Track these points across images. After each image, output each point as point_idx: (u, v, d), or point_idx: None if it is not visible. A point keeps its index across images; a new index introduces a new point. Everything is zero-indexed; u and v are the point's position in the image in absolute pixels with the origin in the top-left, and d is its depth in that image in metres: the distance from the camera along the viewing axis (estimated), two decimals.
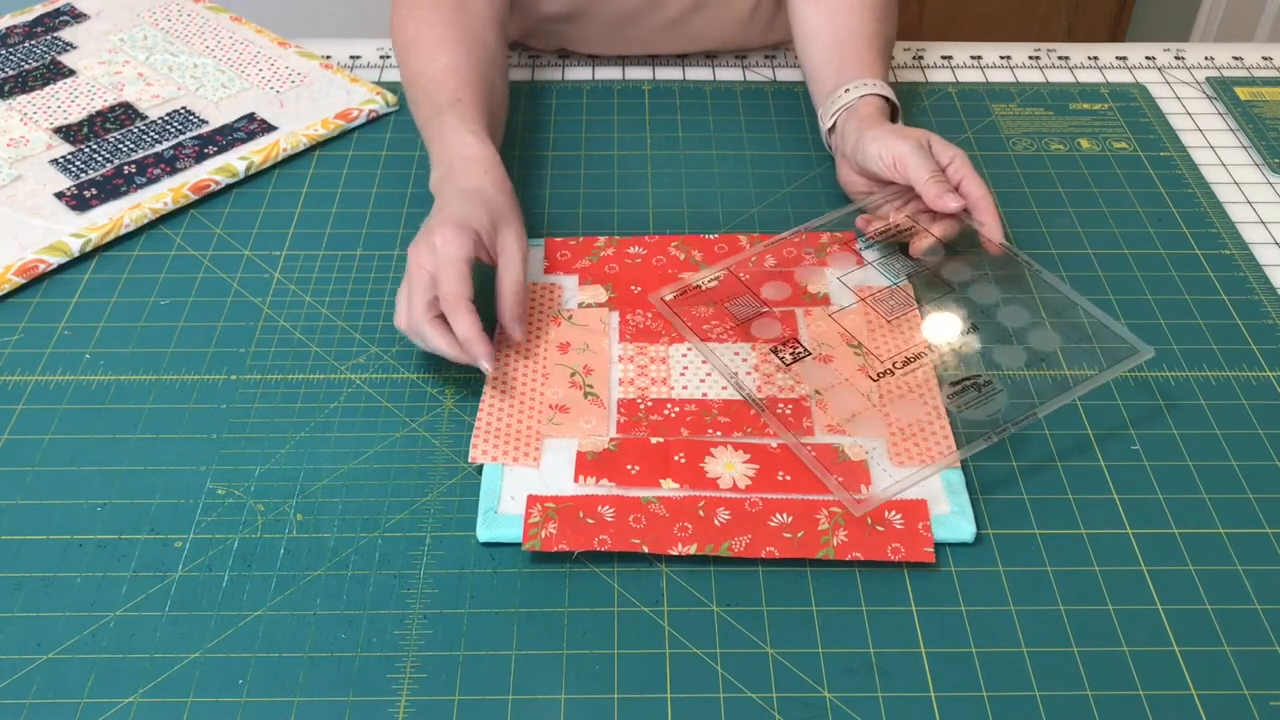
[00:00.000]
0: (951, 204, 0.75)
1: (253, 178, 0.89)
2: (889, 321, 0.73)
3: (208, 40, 1.03)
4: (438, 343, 0.67)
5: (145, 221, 0.84)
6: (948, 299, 0.75)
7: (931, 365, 0.71)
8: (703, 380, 0.71)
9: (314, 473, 0.66)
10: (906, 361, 0.70)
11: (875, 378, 0.69)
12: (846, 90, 0.84)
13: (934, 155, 0.77)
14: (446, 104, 0.80)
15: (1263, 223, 0.86)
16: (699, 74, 1.02)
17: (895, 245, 0.80)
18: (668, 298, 0.75)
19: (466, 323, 0.67)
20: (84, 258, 0.81)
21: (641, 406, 0.69)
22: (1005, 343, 0.73)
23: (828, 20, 0.89)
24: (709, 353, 0.72)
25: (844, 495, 0.62)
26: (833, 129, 0.85)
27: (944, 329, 0.73)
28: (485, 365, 0.67)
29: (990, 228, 0.75)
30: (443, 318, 0.68)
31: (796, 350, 0.71)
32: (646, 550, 0.61)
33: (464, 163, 0.76)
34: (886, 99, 0.84)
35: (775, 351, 0.71)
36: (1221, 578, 0.61)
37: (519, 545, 0.61)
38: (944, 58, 1.06)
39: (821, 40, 0.89)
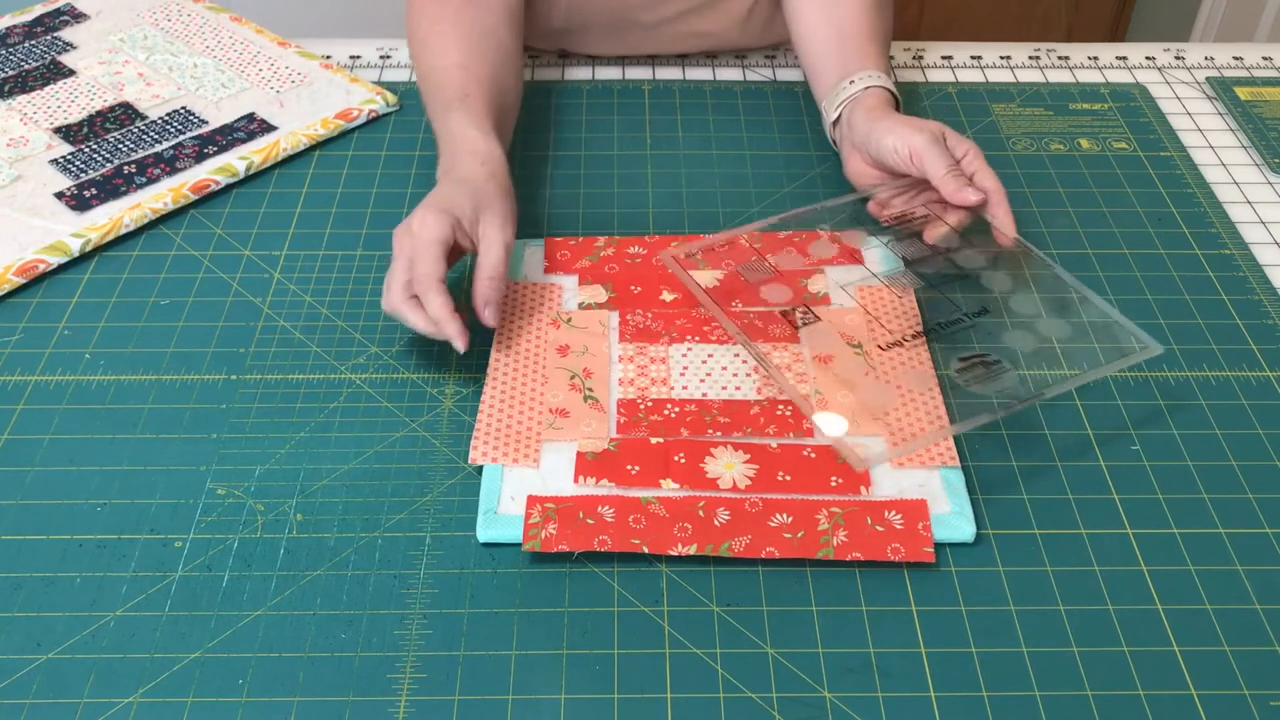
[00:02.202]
0: (972, 197, 0.76)
1: (253, 178, 0.89)
2: (888, 323, 0.74)
3: (208, 40, 1.03)
4: (413, 321, 0.69)
5: (145, 221, 0.84)
6: (955, 284, 0.75)
7: (928, 352, 0.72)
8: (702, 380, 0.71)
9: (314, 473, 0.66)
10: (909, 339, 0.71)
11: (883, 348, 0.71)
12: (851, 82, 0.84)
13: (948, 148, 0.78)
14: (455, 99, 0.82)
15: (1263, 223, 0.86)
16: (699, 74, 1.02)
17: (894, 244, 0.80)
18: (680, 257, 0.76)
19: (437, 304, 0.68)
20: (84, 258, 0.81)
21: (641, 407, 0.69)
22: (1014, 329, 0.73)
23: (826, 16, 0.89)
24: (723, 317, 0.72)
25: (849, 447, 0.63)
26: (837, 121, 0.86)
27: (952, 312, 0.74)
28: (458, 344, 0.68)
29: (1003, 220, 0.76)
30: (419, 298, 0.69)
31: (806, 316, 0.72)
32: (646, 550, 0.61)
33: (467, 156, 0.77)
34: (890, 92, 0.85)
35: (785, 314, 0.73)
36: (1221, 578, 0.61)
37: (519, 545, 0.62)
38: (944, 58, 1.05)
39: (820, 35, 0.90)
